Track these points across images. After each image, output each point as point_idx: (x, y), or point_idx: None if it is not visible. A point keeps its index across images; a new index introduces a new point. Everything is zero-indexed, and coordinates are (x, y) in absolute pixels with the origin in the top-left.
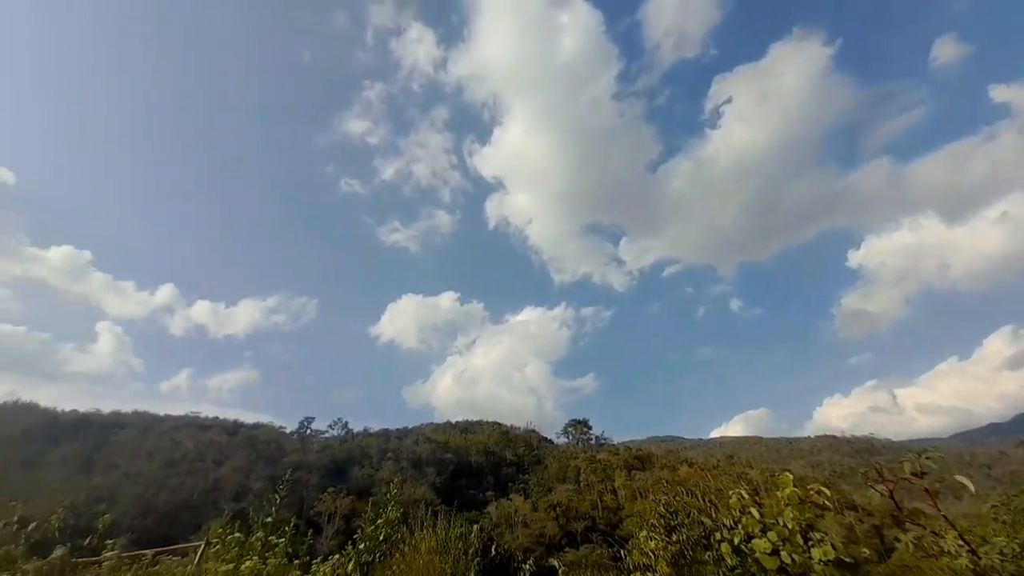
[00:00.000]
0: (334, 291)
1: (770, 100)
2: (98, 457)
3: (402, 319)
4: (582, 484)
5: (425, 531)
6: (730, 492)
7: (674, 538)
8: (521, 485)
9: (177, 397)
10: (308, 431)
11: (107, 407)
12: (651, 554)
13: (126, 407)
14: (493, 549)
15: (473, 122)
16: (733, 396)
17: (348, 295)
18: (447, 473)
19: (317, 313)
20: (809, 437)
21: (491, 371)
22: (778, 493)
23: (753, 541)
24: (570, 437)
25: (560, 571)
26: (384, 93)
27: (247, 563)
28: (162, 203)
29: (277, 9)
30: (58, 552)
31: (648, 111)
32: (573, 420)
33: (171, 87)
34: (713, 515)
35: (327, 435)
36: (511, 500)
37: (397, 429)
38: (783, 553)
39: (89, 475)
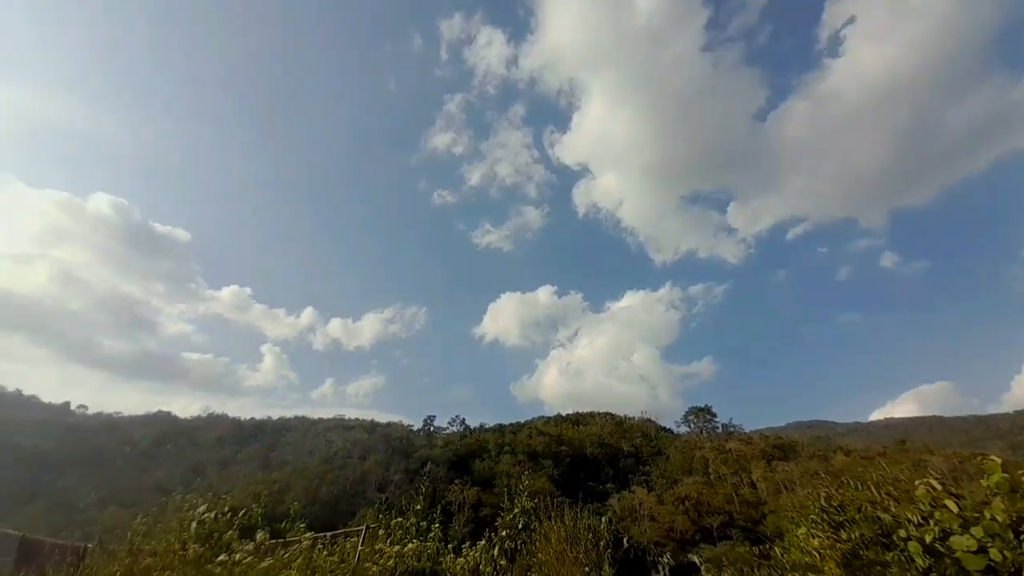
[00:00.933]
0: (439, 297)
1: (906, 9)
2: (273, 456)
3: (503, 317)
4: (712, 476)
5: (553, 522)
6: (916, 483)
7: (843, 536)
8: (643, 477)
9: (325, 403)
10: (431, 428)
11: (275, 414)
12: (815, 553)
13: (288, 413)
14: (625, 542)
15: (551, 112)
16: (898, 370)
17: (452, 300)
18: (564, 465)
19: (426, 319)
20: (1008, 413)
21: (596, 361)
22: (982, 482)
23: (951, 539)
24: (691, 426)
25: (703, 568)
26: (463, 103)
27: (409, 545)
28: (294, 239)
29: (365, 47)
30: (260, 535)
31: (747, 55)
32: (694, 408)
33: (287, 142)
34: (892, 509)
35: (448, 431)
36: (633, 492)
37: (511, 424)
38: (992, 550)
39: (268, 470)
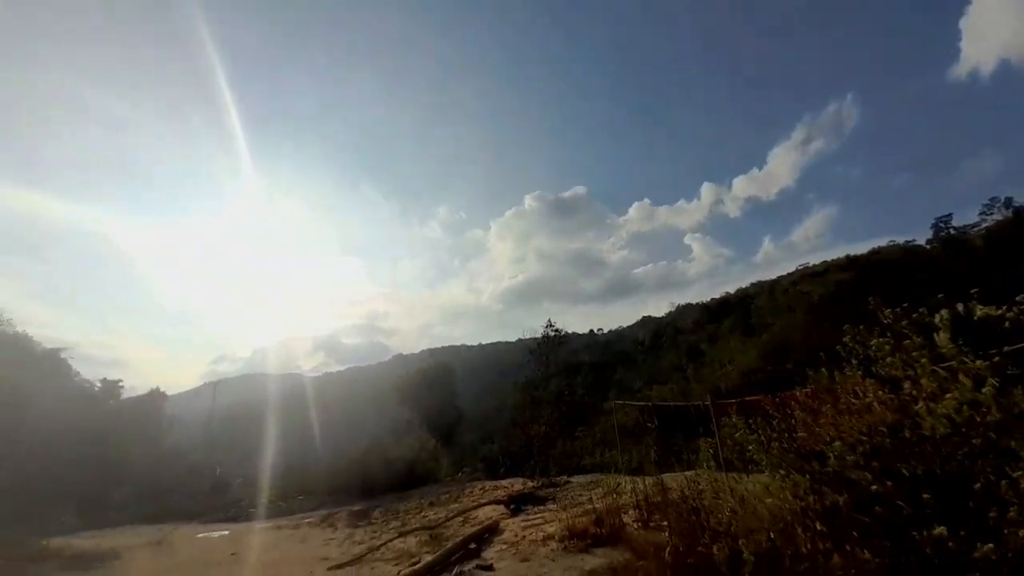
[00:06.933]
0: (867, 64)
1: None
2: (750, 322)
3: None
4: None
5: None
6: None
7: None
8: None
9: (771, 261)
10: (949, 231)
11: (730, 289)
12: None
13: (743, 283)
14: None
15: None
16: None
17: (889, 49)
18: None
19: (858, 105)
20: None
21: None
22: None
23: None
24: None
25: None
26: None
27: None
28: (634, 126)
29: None
30: None
31: None
32: None
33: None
34: None
35: (984, 224)
36: None
37: None
38: None
39: (754, 336)
